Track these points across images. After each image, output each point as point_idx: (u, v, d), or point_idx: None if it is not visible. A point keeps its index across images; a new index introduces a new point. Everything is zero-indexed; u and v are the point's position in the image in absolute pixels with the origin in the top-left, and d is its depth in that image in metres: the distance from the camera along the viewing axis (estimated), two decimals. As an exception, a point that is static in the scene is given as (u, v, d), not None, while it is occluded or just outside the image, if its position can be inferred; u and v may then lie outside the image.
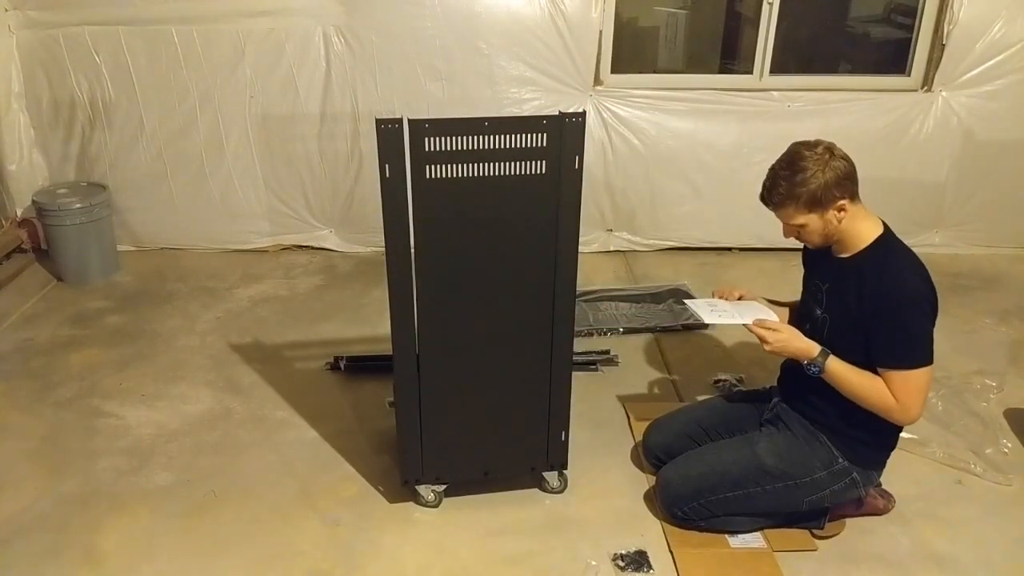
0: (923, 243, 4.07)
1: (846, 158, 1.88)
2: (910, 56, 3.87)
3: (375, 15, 3.57)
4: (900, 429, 2.05)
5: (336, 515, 2.23)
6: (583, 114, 1.86)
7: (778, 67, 3.86)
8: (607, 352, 3.02)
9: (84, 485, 2.35)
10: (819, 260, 2.07)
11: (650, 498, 2.28)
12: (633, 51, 4.29)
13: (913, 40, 3.85)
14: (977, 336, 3.24)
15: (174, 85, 3.67)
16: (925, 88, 3.85)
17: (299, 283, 3.69)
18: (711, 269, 3.85)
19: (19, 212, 3.86)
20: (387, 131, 1.79)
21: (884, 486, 2.32)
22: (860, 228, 1.94)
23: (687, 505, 2.09)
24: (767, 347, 1.96)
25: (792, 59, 4.03)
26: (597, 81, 3.77)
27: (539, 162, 1.87)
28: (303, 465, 2.44)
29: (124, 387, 2.85)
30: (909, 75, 3.89)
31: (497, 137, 1.85)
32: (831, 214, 1.89)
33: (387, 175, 1.84)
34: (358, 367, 2.93)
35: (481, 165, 1.87)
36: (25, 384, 2.87)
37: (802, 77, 3.91)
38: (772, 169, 1.92)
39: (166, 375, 2.93)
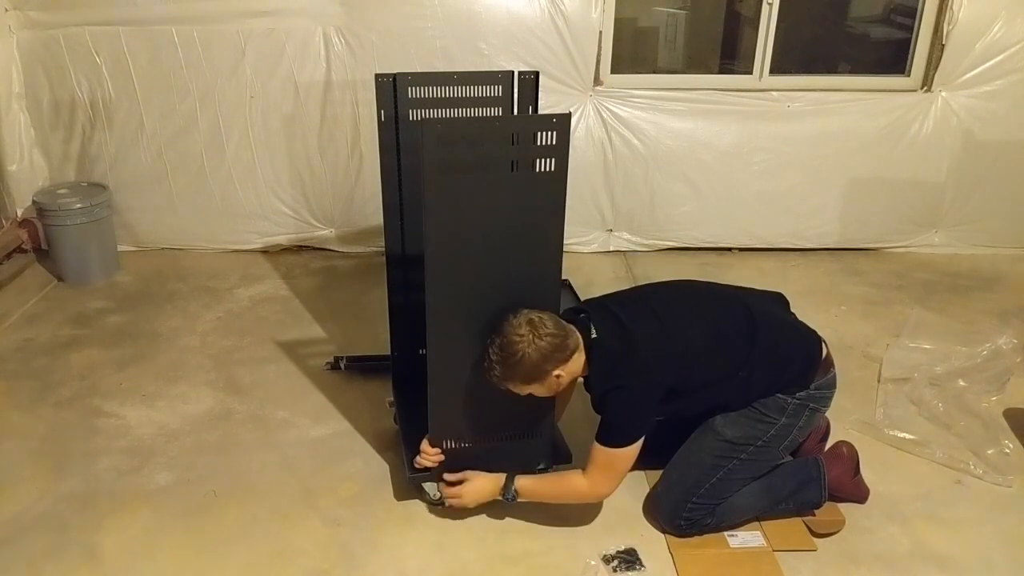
0: (923, 243, 4.07)
1: (552, 332, 1.92)
2: (910, 56, 3.87)
3: (375, 15, 3.58)
4: (808, 341, 2.11)
5: (336, 515, 2.23)
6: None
7: (778, 67, 3.86)
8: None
9: (84, 485, 2.35)
10: None
11: (650, 498, 2.28)
12: (633, 51, 4.29)
13: (913, 40, 3.85)
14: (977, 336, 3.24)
15: (174, 85, 3.67)
16: (925, 88, 3.85)
17: (299, 283, 3.70)
18: (711, 269, 3.85)
19: (19, 212, 3.87)
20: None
21: (884, 486, 2.33)
22: (582, 361, 2.01)
23: (684, 511, 2.09)
24: (459, 502, 2.12)
25: (792, 59, 4.03)
26: (597, 81, 3.77)
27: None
28: (303, 465, 2.44)
29: (124, 387, 2.85)
30: (909, 75, 3.89)
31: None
32: (551, 380, 1.97)
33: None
34: (358, 367, 2.94)
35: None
36: (25, 384, 2.87)
37: (802, 77, 3.91)
38: (487, 351, 1.95)
39: (166, 375, 2.93)
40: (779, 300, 2.24)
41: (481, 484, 2.11)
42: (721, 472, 2.08)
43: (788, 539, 2.13)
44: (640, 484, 2.34)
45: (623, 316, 2.04)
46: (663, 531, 2.16)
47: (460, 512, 2.20)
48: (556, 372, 1.95)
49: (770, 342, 2.06)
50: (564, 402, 2.34)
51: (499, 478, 2.10)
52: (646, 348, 1.99)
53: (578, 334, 2.01)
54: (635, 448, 2.00)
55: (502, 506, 2.17)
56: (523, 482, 2.09)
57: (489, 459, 2.21)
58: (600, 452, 2.01)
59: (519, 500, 2.10)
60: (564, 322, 1.99)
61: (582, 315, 2.06)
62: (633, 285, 3.65)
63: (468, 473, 2.13)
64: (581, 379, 2.11)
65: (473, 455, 2.18)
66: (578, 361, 2.00)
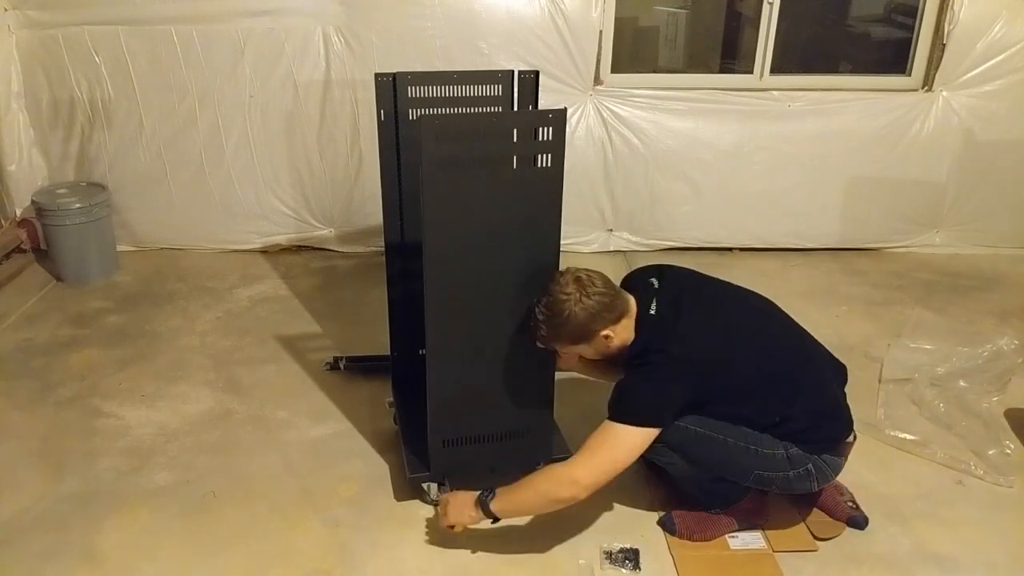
0: (923, 243, 4.07)
1: (600, 292, 1.89)
2: (910, 56, 3.87)
3: (375, 15, 3.57)
4: (844, 427, 2.03)
5: (336, 515, 2.23)
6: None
7: (778, 67, 3.86)
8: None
9: (84, 485, 2.35)
10: None
11: (650, 498, 2.28)
12: (633, 51, 4.29)
13: (913, 40, 3.85)
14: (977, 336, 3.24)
15: (174, 85, 3.67)
16: (925, 88, 3.85)
17: (299, 283, 3.69)
18: (711, 269, 3.79)
19: (19, 212, 3.86)
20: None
21: (885, 486, 2.32)
22: (631, 328, 1.96)
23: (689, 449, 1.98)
24: (443, 520, 2.03)
25: (792, 59, 4.03)
26: (597, 81, 3.77)
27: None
28: (303, 465, 2.44)
29: (124, 387, 2.85)
30: (909, 75, 3.89)
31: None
32: (599, 340, 1.93)
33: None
34: (358, 367, 2.93)
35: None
36: (25, 384, 2.87)
37: (802, 77, 3.91)
38: (533, 310, 1.93)
39: (166, 375, 2.93)
40: (840, 371, 2.14)
41: (459, 497, 2.02)
42: (698, 434, 1.95)
43: (789, 540, 2.13)
44: (641, 485, 2.34)
45: (692, 314, 1.93)
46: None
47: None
48: (605, 332, 1.90)
49: (813, 408, 1.99)
50: (604, 374, 2.25)
51: (471, 497, 2.00)
52: (697, 353, 1.89)
53: (632, 300, 1.95)
54: (640, 436, 1.85)
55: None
56: (497, 500, 1.96)
57: (489, 458, 2.21)
58: (601, 429, 1.88)
59: (497, 510, 1.97)
60: (615, 284, 1.95)
61: (652, 282, 2.00)
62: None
63: (447, 497, 2.06)
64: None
65: (471, 454, 2.18)
66: (628, 327, 1.94)
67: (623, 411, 1.87)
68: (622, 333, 1.95)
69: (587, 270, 1.92)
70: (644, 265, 2.14)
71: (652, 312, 1.94)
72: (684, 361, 1.88)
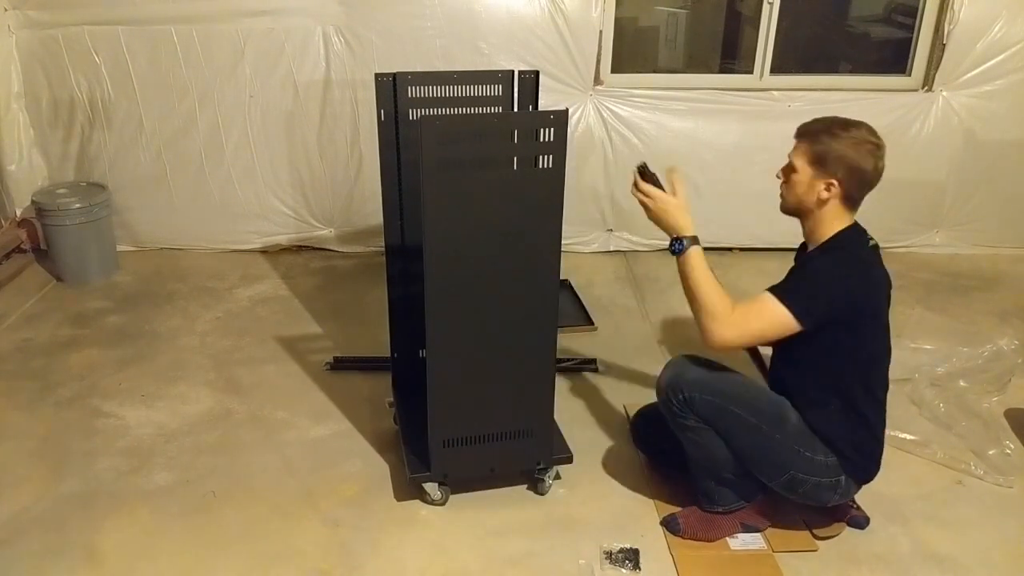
0: (923, 243, 4.07)
1: (878, 167, 1.90)
2: (911, 56, 3.87)
3: (375, 15, 3.57)
4: (875, 442, 2.03)
5: (336, 515, 2.22)
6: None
7: (778, 67, 3.86)
8: (592, 360, 3.01)
9: (84, 485, 2.35)
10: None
11: (650, 499, 2.28)
12: (633, 51, 4.28)
13: (914, 40, 3.85)
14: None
15: (174, 85, 3.67)
16: (926, 88, 3.85)
17: (299, 283, 3.69)
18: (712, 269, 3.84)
19: (19, 212, 3.86)
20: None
21: (886, 486, 2.32)
22: (833, 224, 1.95)
23: (697, 392, 1.96)
24: (648, 214, 2.02)
25: (792, 59, 4.03)
26: (597, 81, 3.77)
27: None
28: (303, 465, 2.44)
29: (124, 387, 2.85)
30: (910, 75, 3.89)
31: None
32: (820, 184, 1.91)
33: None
34: (358, 367, 2.93)
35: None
36: (25, 384, 2.87)
37: (803, 77, 3.91)
38: (830, 117, 1.97)
39: (166, 375, 2.93)
40: None
41: (673, 210, 1.98)
42: (751, 419, 1.95)
43: (789, 540, 2.13)
44: (641, 485, 2.34)
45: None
46: (667, 383, 2.01)
47: (459, 512, 2.17)
48: (833, 181, 1.88)
49: (881, 422, 2.05)
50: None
51: (688, 227, 1.96)
52: (872, 286, 1.93)
53: (853, 216, 1.95)
54: (787, 316, 1.85)
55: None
56: (696, 251, 1.94)
57: (489, 458, 2.21)
58: (765, 301, 1.88)
59: (678, 260, 1.95)
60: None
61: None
62: (633, 286, 3.61)
63: (670, 198, 2.01)
64: (809, 246, 2.01)
65: (472, 455, 2.18)
66: (839, 215, 1.93)
67: (784, 294, 1.87)
68: (834, 208, 1.92)
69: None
70: None
71: (869, 242, 1.95)
72: (864, 275, 1.91)
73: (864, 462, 2.04)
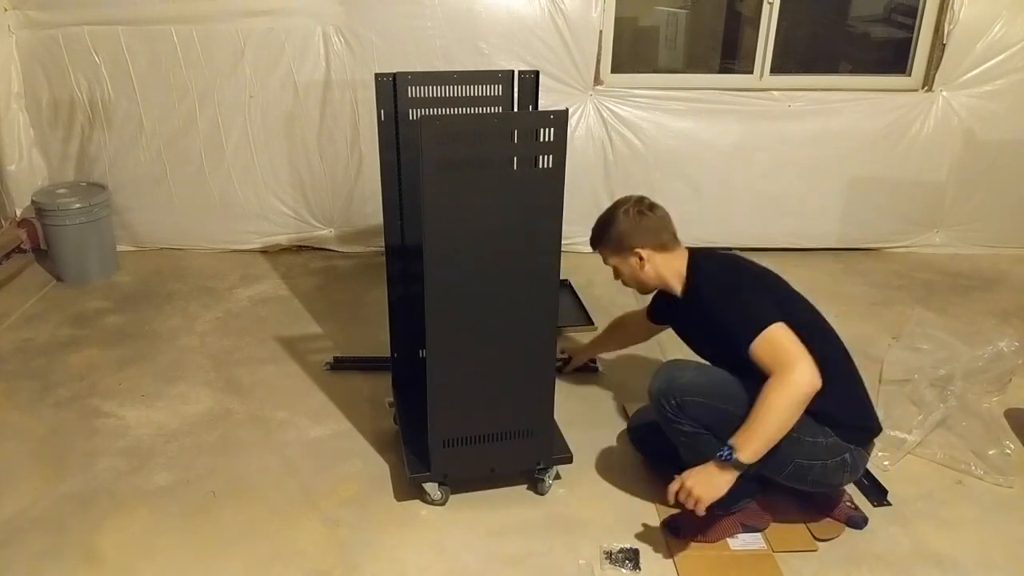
0: (923, 243, 4.07)
1: (659, 217, 2.15)
2: (910, 56, 3.87)
3: (375, 15, 3.57)
4: (866, 403, 2.07)
5: (336, 515, 2.22)
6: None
7: (778, 67, 3.86)
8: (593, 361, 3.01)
9: (84, 485, 2.35)
10: (672, 314, 2.34)
11: (650, 500, 2.28)
12: (633, 51, 4.29)
13: (913, 40, 3.85)
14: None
15: (173, 85, 3.67)
16: (926, 88, 3.85)
17: (298, 283, 3.69)
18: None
19: (19, 212, 3.86)
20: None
21: (885, 486, 2.32)
22: (676, 268, 2.14)
23: (689, 396, 1.95)
24: (699, 503, 1.89)
25: (792, 59, 4.03)
26: (597, 81, 3.77)
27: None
28: (303, 465, 2.44)
29: (124, 387, 2.85)
30: (910, 75, 3.89)
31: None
32: (634, 259, 2.14)
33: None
34: (357, 367, 2.93)
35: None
36: (25, 384, 2.87)
37: (802, 77, 3.91)
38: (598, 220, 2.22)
39: (166, 375, 2.93)
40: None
41: (698, 475, 1.89)
42: (737, 418, 1.91)
43: (789, 541, 2.12)
44: (640, 485, 2.34)
45: (751, 272, 2.13)
46: (656, 390, 2.01)
47: (459, 512, 2.17)
48: (640, 251, 2.11)
49: (856, 393, 2.07)
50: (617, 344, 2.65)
51: (723, 479, 1.87)
52: (766, 289, 2.05)
53: (684, 251, 2.16)
54: (781, 328, 1.88)
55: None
56: (742, 440, 1.85)
57: (489, 459, 2.21)
58: (758, 348, 1.87)
59: (742, 456, 1.84)
60: (674, 229, 2.17)
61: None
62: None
63: (686, 475, 1.93)
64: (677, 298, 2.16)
65: (472, 455, 2.18)
66: (669, 265, 2.13)
67: (755, 326, 1.89)
68: (660, 264, 2.14)
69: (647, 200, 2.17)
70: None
71: (712, 260, 2.14)
72: (745, 281, 2.06)
73: (862, 423, 2.03)
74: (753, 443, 1.85)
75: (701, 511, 1.90)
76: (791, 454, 1.97)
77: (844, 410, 2.00)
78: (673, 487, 1.94)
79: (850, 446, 2.00)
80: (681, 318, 2.26)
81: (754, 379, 1.92)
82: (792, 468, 1.99)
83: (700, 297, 2.06)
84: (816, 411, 1.95)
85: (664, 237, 2.14)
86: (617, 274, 2.24)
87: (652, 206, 2.16)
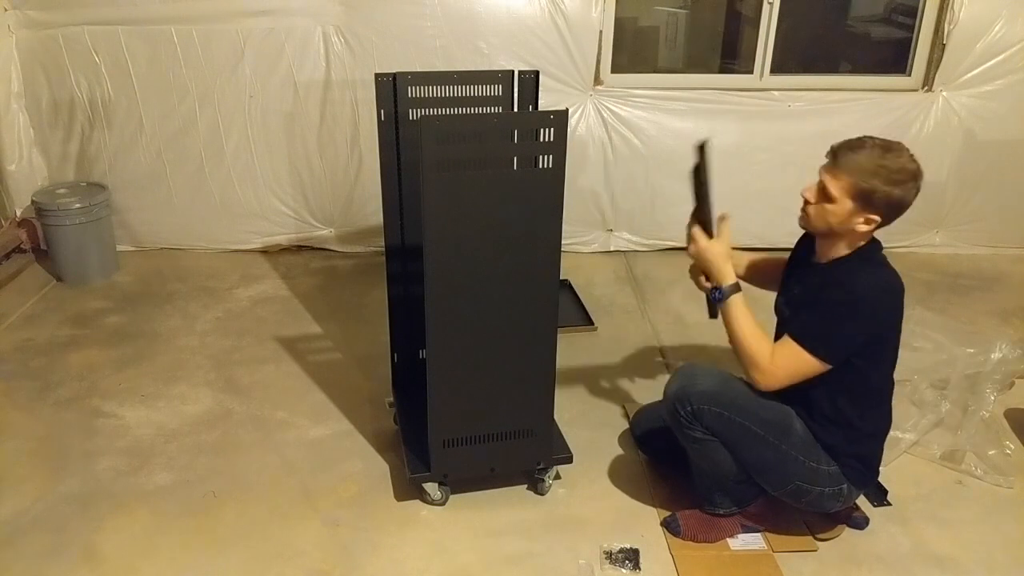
0: (923, 243, 4.07)
1: (916, 195, 1.88)
2: (910, 56, 3.87)
3: (375, 15, 3.57)
4: (876, 449, 2.05)
5: (336, 515, 2.22)
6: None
7: (779, 67, 3.86)
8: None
9: (84, 485, 2.35)
10: (800, 265, 2.12)
11: (650, 499, 2.28)
12: (633, 51, 4.28)
13: (913, 40, 3.85)
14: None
15: (174, 85, 3.67)
16: (926, 88, 3.85)
17: (299, 283, 3.69)
18: (711, 269, 3.84)
19: (18, 212, 3.86)
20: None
21: (885, 486, 2.32)
22: (858, 244, 1.95)
23: (706, 405, 1.95)
24: (689, 249, 2.03)
25: (793, 59, 4.03)
26: (597, 81, 3.77)
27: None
28: (303, 465, 2.44)
29: (123, 387, 2.85)
30: (910, 75, 3.89)
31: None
32: (860, 218, 1.88)
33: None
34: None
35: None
36: (25, 384, 2.87)
37: (803, 77, 3.91)
38: (867, 138, 1.87)
39: (166, 375, 2.92)
40: None
41: (713, 257, 1.99)
42: (757, 429, 1.96)
43: (789, 541, 2.13)
44: (641, 485, 2.34)
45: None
46: (672, 394, 2.01)
47: (459, 512, 2.17)
48: (876, 215, 1.86)
49: (882, 431, 2.06)
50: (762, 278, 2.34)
51: (729, 274, 1.97)
52: (893, 312, 1.94)
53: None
54: (818, 364, 1.86)
55: (704, 301, 2.11)
56: (738, 301, 1.95)
57: (489, 459, 2.21)
58: (791, 346, 1.87)
59: (719, 309, 1.98)
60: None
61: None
62: (633, 286, 3.61)
63: (717, 243, 2.01)
64: (819, 258, 2.00)
65: (472, 455, 2.18)
66: (865, 238, 1.93)
67: (812, 344, 1.86)
68: (867, 234, 1.93)
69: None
70: None
71: (884, 274, 1.96)
72: (880, 305, 1.90)
73: (865, 470, 2.04)
74: (730, 316, 1.96)
75: (690, 249, 2.04)
76: (793, 474, 1.98)
77: (862, 457, 2.01)
78: (697, 233, 2.02)
79: (849, 482, 2.01)
80: (799, 273, 2.08)
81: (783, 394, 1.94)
82: (792, 487, 2.00)
83: (840, 283, 1.89)
84: (835, 446, 1.98)
85: (897, 216, 1.91)
86: (817, 199, 1.93)
87: (920, 185, 1.88)
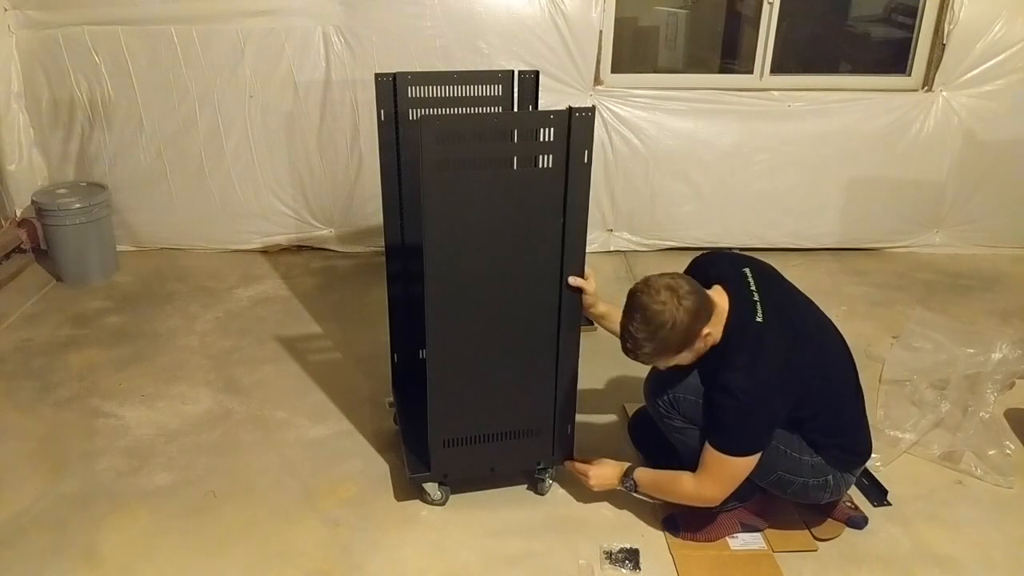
0: (923, 243, 4.07)
1: (691, 291, 1.83)
2: (910, 56, 3.87)
3: (375, 15, 3.57)
4: (858, 436, 2.06)
5: (336, 516, 2.22)
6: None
7: (778, 67, 3.86)
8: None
9: (84, 485, 2.35)
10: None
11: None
12: (633, 51, 4.28)
13: (913, 40, 3.85)
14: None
15: (174, 85, 3.67)
16: (925, 88, 3.85)
17: (299, 283, 3.69)
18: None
19: (18, 212, 3.86)
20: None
21: (885, 486, 2.32)
22: (720, 317, 1.90)
23: (682, 392, 1.99)
24: (588, 483, 2.16)
25: (792, 59, 4.03)
26: (597, 81, 3.77)
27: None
28: (303, 465, 2.44)
29: (123, 387, 2.85)
30: (909, 75, 3.89)
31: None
32: (701, 341, 1.87)
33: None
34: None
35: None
36: (25, 384, 2.87)
37: (802, 77, 3.91)
38: (628, 329, 1.86)
39: (166, 375, 2.92)
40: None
41: (607, 471, 2.15)
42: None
43: (789, 541, 2.13)
44: (640, 484, 2.34)
45: (790, 328, 1.90)
46: (648, 392, 2.07)
47: (459, 512, 2.19)
48: (706, 330, 1.84)
49: (849, 421, 2.04)
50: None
51: (621, 467, 2.13)
52: (792, 374, 1.87)
53: (713, 294, 1.90)
54: (751, 461, 1.90)
55: (622, 495, 2.19)
56: (641, 474, 2.10)
57: (489, 458, 2.21)
58: (711, 456, 1.91)
59: (637, 492, 2.12)
60: (693, 280, 1.88)
61: (747, 277, 1.95)
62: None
63: (596, 459, 2.19)
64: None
65: (472, 454, 2.18)
66: (718, 322, 1.88)
67: (733, 446, 1.90)
68: (715, 329, 1.89)
69: (668, 275, 1.86)
70: (716, 250, 2.09)
71: (759, 320, 1.87)
72: (782, 381, 1.87)
73: (848, 456, 2.04)
74: (649, 490, 2.11)
75: (588, 484, 2.17)
76: (775, 464, 1.98)
77: (831, 438, 2.00)
78: (580, 467, 2.19)
79: (834, 470, 2.02)
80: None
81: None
82: (775, 477, 2.01)
83: (723, 387, 1.86)
84: (811, 439, 1.99)
85: (707, 301, 1.86)
86: (680, 366, 1.95)
87: (675, 278, 1.85)
